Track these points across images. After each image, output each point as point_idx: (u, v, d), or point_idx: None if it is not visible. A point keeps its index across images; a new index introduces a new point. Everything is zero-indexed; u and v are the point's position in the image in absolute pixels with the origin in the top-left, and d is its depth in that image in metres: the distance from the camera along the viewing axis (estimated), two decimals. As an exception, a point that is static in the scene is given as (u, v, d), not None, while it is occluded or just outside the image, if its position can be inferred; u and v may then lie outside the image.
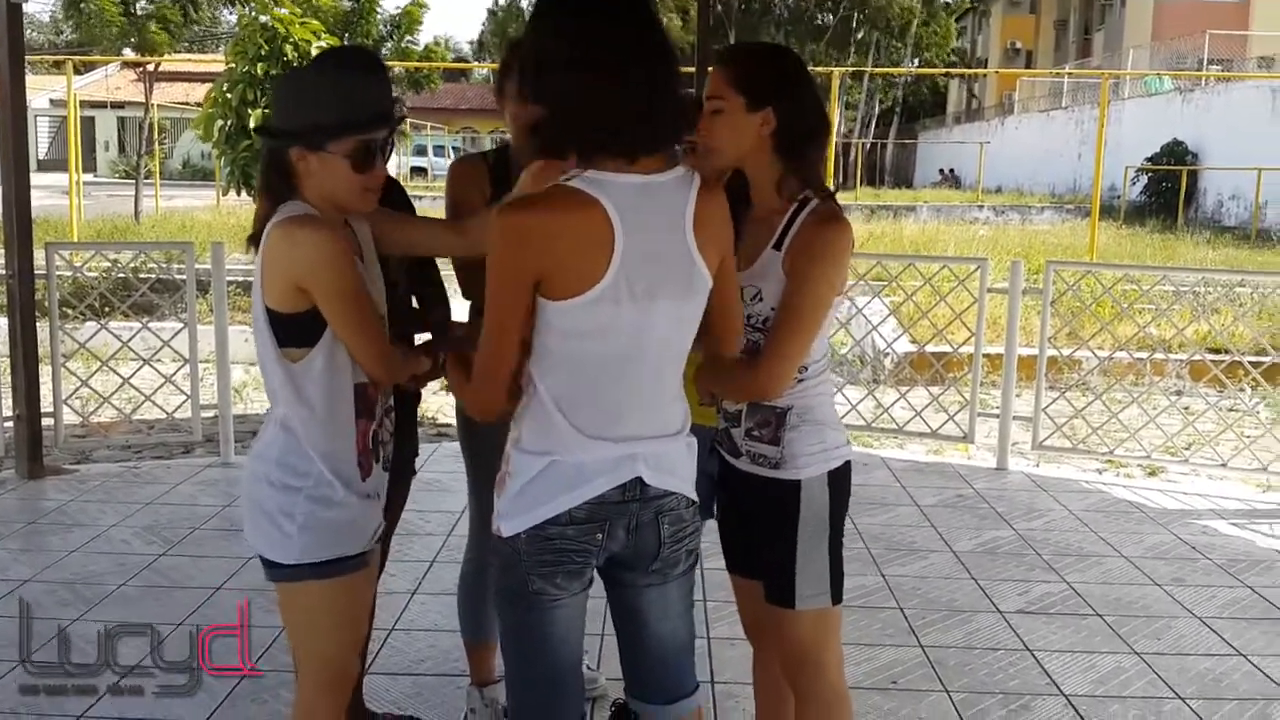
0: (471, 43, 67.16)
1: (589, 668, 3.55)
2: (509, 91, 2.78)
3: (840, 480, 2.42)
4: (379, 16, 19.87)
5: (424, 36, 24.32)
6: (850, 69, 37.29)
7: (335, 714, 2.43)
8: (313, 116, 2.20)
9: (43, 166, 35.68)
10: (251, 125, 11.41)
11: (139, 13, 20.72)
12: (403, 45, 21.04)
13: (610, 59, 1.93)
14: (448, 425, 7.57)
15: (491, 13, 50.35)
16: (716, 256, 2.09)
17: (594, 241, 1.92)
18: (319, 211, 2.22)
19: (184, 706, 3.37)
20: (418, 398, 3.06)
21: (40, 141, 42.69)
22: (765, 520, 2.42)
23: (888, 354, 8.49)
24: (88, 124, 39.39)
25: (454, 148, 40.81)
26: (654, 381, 2.07)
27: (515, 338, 1.99)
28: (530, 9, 2.07)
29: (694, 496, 2.16)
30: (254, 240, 2.29)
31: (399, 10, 20.98)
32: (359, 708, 2.98)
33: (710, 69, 2.35)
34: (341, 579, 2.31)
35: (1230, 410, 6.91)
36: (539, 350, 2.01)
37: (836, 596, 2.45)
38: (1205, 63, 32.40)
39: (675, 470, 2.11)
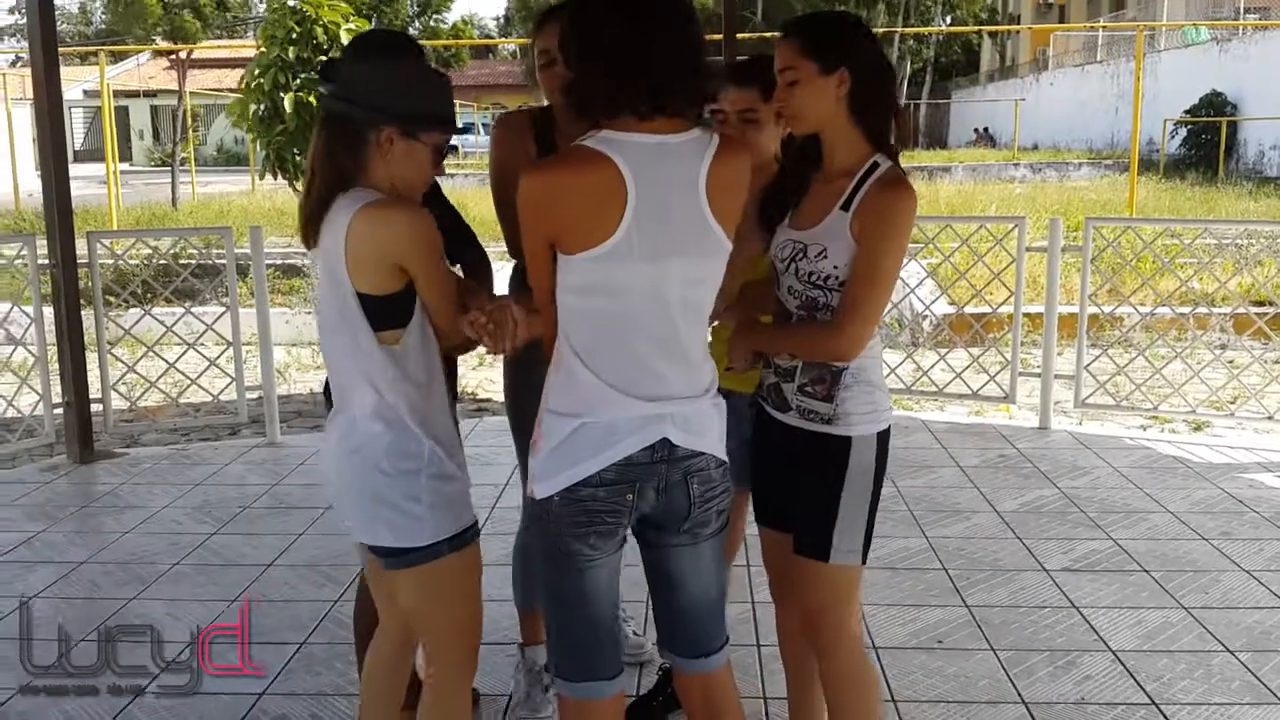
0: (497, 19, 67.05)
1: (635, 633, 3.59)
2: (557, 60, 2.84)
3: (885, 442, 2.47)
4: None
5: (450, 15, 24.38)
6: (881, 29, 36.84)
7: (470, 685, 2.49)
8: (415, 103, 2.24)
9: (78, 157, 36.05)
10: (287, 107, 11.42)
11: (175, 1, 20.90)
12: (432, 24, 21.15)
13: (636, 33, 2.01)
14: (488, 400, 7.63)
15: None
16: (732, 221, 2.14)
17: (607, 198, 1.99)
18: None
19: (238, 680, 3.45)
20: (453, 368, 3.06)
21: (75, 132, 43.11)
22: (811, 473, 2.46)
23: (926, 316, 8.44)
24: (121, 113, 39.74)
25: (483, 124, 40.81)
26: (675, 340, 2.11)
27: (546, 284, 2.11)
28: None
29: (723, 457, 2.21)
30: (312, 224, 2.27)
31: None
32: (413, 676, 3.03)
33: (777, 44, 2.41)
34: (470, 548, 2.36)
35: (1276, 363, 6.83)
36: (562, 307, 2.10)
37: (865, 556, 2.51)
38: (1242, 11, 31.77)
39: (704, 431, 2.16)
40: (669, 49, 2.03)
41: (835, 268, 2.34)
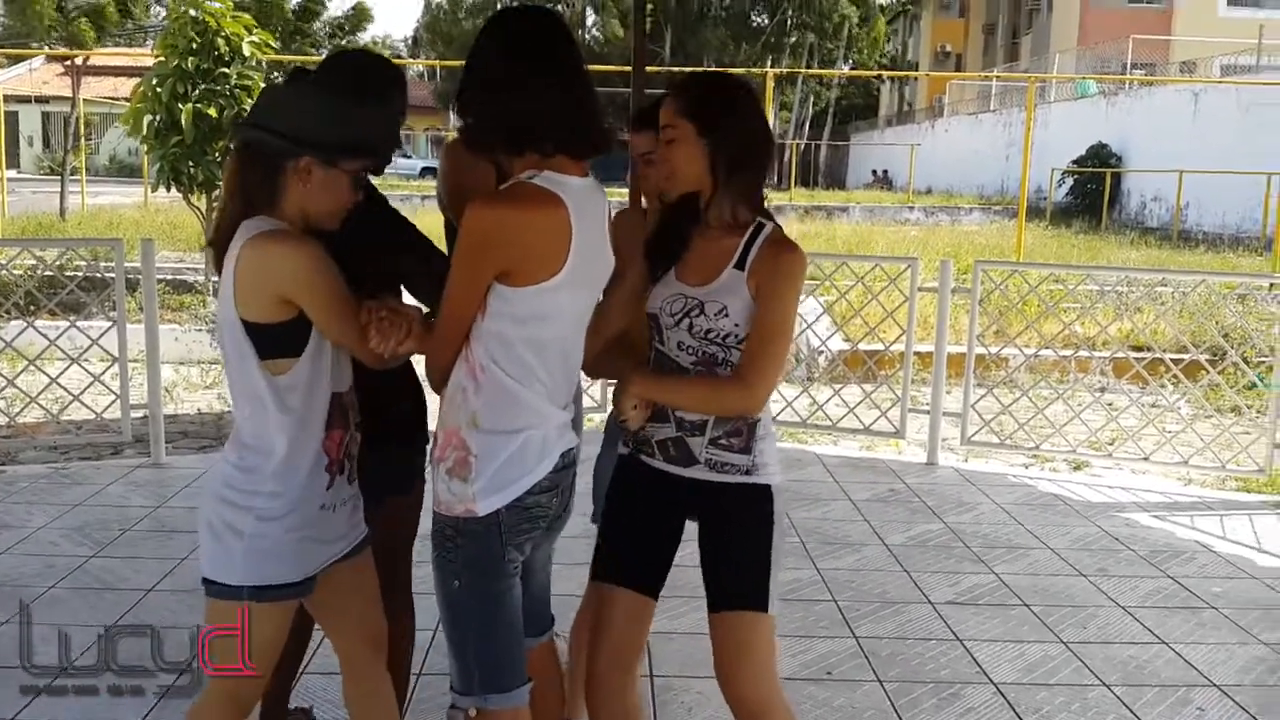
0: (406, 39, 66.61)
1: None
2: None
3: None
4: (325, 16, 19.93)
5: (363, 35, 24.28)
6: (785, 71, 37.50)
7: None
8: (334, 130, 2.21)
9: (-38, 162, 34.73)
10: (184, 119, 11.13)
11: (70, 6, 20.36)
12: (344, 43, 21.01)
13: (532, 93, 2.13)
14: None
15: (433, 5, 49.51)
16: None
17: (558, 236, 2.11)
18: (288, 226, 2.21)
19: (110, 710, 3.33)
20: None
21: (-40, 137, 41.56)
22: (738, 525, 2.45)
23: (822, 352, 8.58)
24: (11, 118, 38.27)
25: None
26: (578, 353, 2.30)
27: (472, 315, 2.15)
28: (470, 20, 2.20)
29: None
30: (217, 246, 2.24)
31: (347, 11, 21.09)
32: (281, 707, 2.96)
33: (663, 102, 2.47)
34: (276, 605, 2.27)
35: (1152, 406, 7.10)
36: (492, 335, 2.14)
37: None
38: (1129, 67, 33.09)
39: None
40: (569, 90, 2.16)
41: (736, 325, 2.38)
